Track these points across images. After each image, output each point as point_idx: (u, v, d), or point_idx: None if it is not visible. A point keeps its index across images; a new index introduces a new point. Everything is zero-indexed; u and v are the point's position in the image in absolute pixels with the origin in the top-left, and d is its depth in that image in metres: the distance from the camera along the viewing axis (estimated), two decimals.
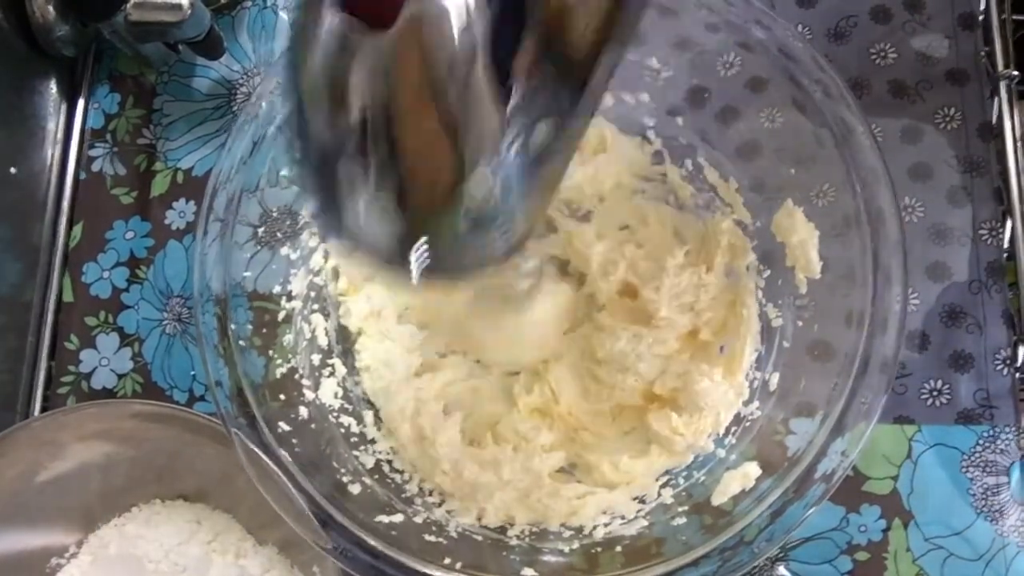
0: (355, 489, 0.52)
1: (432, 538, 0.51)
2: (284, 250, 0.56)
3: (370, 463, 0.55)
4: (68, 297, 0.65)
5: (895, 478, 0.59)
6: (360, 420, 0.57)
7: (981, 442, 0.59)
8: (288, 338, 0.55)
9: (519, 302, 0.56)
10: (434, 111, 0.30)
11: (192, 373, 0.63)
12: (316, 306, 0.58)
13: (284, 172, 0.55)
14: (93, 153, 0.67)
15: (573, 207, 0.62)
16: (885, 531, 0.58)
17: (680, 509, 0.52)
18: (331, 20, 0.29)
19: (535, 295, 0.57)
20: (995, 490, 0.58)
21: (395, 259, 0.35)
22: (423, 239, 0.34)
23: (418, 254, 0.34)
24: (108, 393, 0.63)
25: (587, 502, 0.54)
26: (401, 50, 0.29)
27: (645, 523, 0.52)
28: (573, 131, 0.35)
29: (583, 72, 0.33)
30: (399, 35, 0.29)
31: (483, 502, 0.54)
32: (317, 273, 0.58)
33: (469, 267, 0.38)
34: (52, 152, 0.67)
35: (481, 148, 0.32)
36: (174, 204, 0.66)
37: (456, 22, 0.28)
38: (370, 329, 0.59)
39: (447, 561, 0.49)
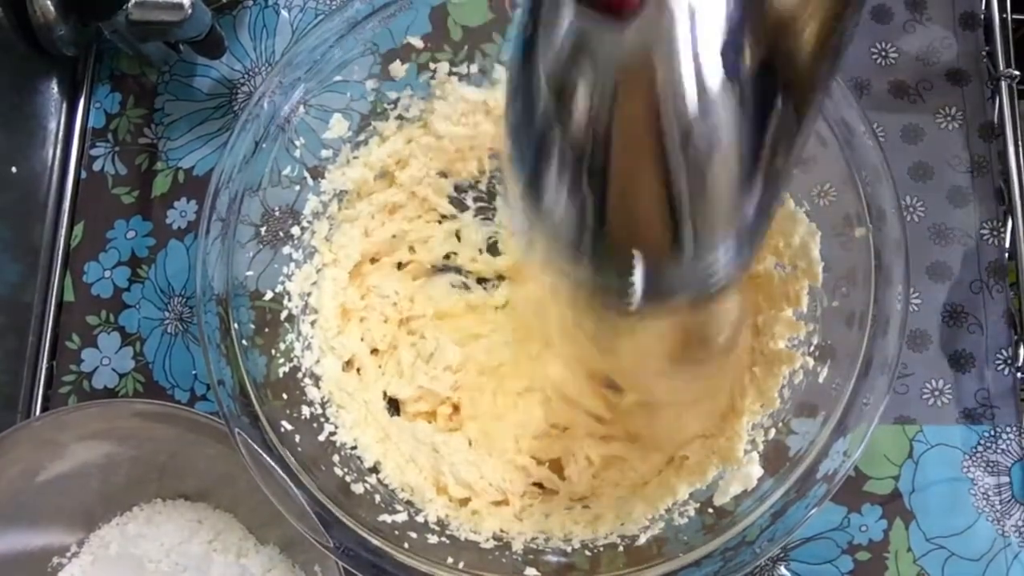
0: (358, 488, 0.52)
1: (435, 538, 0.51)
2: (286, 249, 0.56)
3: (371, 462, 0.55)
4: (69, 297, 0.65)
5: (896, 478, 0.59)
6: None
7: (982, 442, 0.59)
8: (290, 337, 0.55)
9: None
10: (656, 164, 0.26)
11: (193, 372, 0.63)
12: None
13: (286, 172, 0.55)
14: (94, 153, 0.67)
15: None
16: (886, 531, 0.58)
17: (682, 509, 0.52)
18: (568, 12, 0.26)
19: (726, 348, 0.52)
20: (996, 490, 0.58)
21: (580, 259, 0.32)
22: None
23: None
24: (109, 392, 0.63)
25: (597, 527, 0.54)
26: (629, 71, 0.25)
27: (647, 523, 0.52)
28: (798, 155, 0.31)
29: (802, 90, 0.29)
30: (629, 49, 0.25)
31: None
32: (319, 271, 0.58)
33: (678, 293, 0.34)
34: (53, 152, 0.67)
35: (711, 225, 0.28)
36: (175, 203, 0.66)
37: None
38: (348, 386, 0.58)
39: (450, 561, 0.49)
